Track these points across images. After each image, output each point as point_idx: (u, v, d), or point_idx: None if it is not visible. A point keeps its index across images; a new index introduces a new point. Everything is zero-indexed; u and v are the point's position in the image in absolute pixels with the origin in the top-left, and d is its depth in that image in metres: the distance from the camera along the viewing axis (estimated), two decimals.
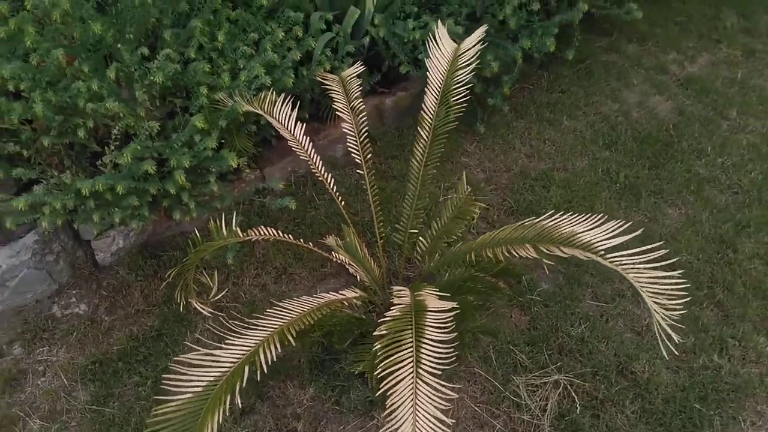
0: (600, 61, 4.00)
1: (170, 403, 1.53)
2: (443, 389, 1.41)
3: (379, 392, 1.44)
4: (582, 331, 2.46)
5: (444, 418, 1.36)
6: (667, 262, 1.54)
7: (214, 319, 2.48)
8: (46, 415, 2.28)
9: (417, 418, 1.37)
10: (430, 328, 1.53)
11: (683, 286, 1.46)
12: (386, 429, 1.37)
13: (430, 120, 2.33)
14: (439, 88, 2.31)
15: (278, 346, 1.66)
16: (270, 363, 2.27)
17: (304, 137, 2.32)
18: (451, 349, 1.48)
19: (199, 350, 1.63)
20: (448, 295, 1.73)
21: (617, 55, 4.06)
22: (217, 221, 2.10)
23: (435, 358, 1.47)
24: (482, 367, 2.36)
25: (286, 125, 2.31)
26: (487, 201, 3.06)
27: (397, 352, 1.48)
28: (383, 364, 1.45)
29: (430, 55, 2.35)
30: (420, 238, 2.40)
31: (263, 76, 2.42)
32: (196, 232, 2.32)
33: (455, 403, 2.26)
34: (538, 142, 3.43)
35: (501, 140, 3.44)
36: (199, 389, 1.58)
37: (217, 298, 2.32)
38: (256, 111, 2.29)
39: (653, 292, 1.50)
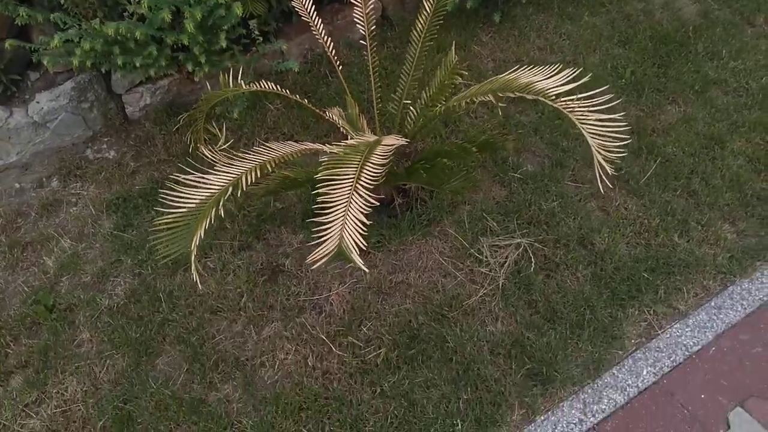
0: None
1: (168, 215, 1.85)
2: (370, 200, 1.64)
3: (316, 190, 1.69)
4: (554, 206, 2.63)
5: (364, 220, 1.61)
6: (610, 105, 1.69)
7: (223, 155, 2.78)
8: (75, 237, 2.68)
9: (347, 217, 1.63)
10: (377, 155, 1.76)
11: (624, 128, 1.61)
12: (322, 219, 1.63)
13: None
14: None
15: (259, 173, 1.93)
16: (261, 212, 2.57)
17: (315, 11, 2.49)
18: (382, 170, 1.71)
19: (193, 173, 1.92)
20: (407, 140, 1.95)
21: None
22: (226, 75, 2.33)
23: (372, 177, 1.70)
24: (454, 228, 2.59)
25: None
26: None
27: (343, 168, 1.72)
28: (328, 172, 1.69)
29: None
30: (411, 107, 2.58)
31: None
32: (208, 84, 2.57)
33: (424, 256, 2.52)
34: (553, 35, 3.47)
35: (517, 32, 3.50)
36: (192, 205, 1.88)
37: (224, 146, 2.60)
38: None
39: (596, 133, 1.66)
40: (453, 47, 2.34)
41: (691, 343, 2.23)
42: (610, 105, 1.72)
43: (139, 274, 2.53)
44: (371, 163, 1.75)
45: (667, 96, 3.10)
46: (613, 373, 2.17)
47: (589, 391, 2.13)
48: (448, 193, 2.59)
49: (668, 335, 2.26)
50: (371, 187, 1.71)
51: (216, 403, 2.16)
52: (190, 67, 2.63)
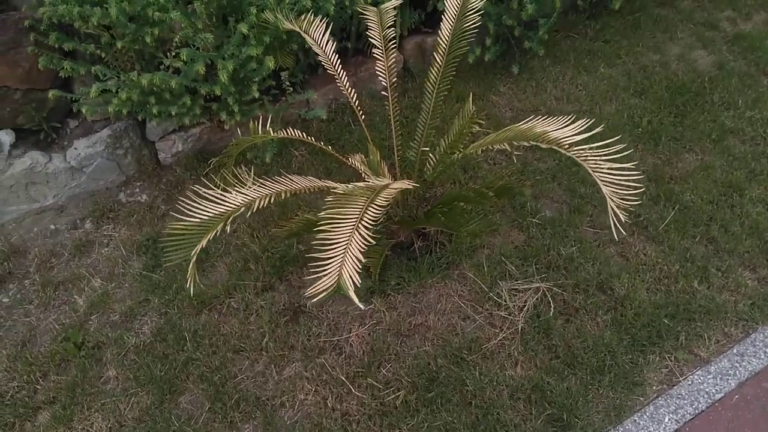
0: (651, 13, 4.04)
1: (181, 223, 1.93)
2: (369, 239, 1.70)
3: (318, 229, 1.76)
4: (573, 251, 2.66)
5: (361, 258, 1.66)
6: (624, 154, 1.74)
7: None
8: (106, 276, 2.77)
9: (347, 254, 1.69)
10: (382, 197, 1.83)
11: (638, 177, 1.66)
12: (322, 254, 1.69)
13: (444, 44, 2.57)
14: (455, 14, 2.55)
15: (272, 199, 2.01)
16: (285, 252, 2.63)
17: (338, 60, 2.62)
18: (383, 212, 1.79)
19: (214, 189, 2.00)
20: (417, 185, 2.02)
21: (670, 9, 4.08)
22: (256, 122, 2.45)
23: (374, 217, 1.77)
24: (474, 272, 2.62)
25: (324, 49, 2.61)
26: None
27: (348, 208, 1.80)
28: (333, 210, 1.77)
29: None
30: (430, 154, 2.67)
31: (306, 0, 2.73)
32: (239, 131, 2.69)
33: (443, 299, 2.55)
34: (570, 86, 3.57)
35: (534, 83, 3.60)
36: (205, 218, 1.97)
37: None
38: (295, 29, 2.60)
39: (609, 182, 1.71)
40: (470, 97, 2.43)
41: (714, 391, 2.20)
42: (624, 154, 1.77)
43: (165, 314, 2.60)
44: (375, 204, 1.82)
45: (684, 144, 3.15)
46: (635, 420, 2.15)
47: None
48: (466, 235, 2.64)
49: (690, 382, 2.24)
50: (371, 227, 1.78)
51: None
52: (223, 116, 2.77)
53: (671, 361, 2.31)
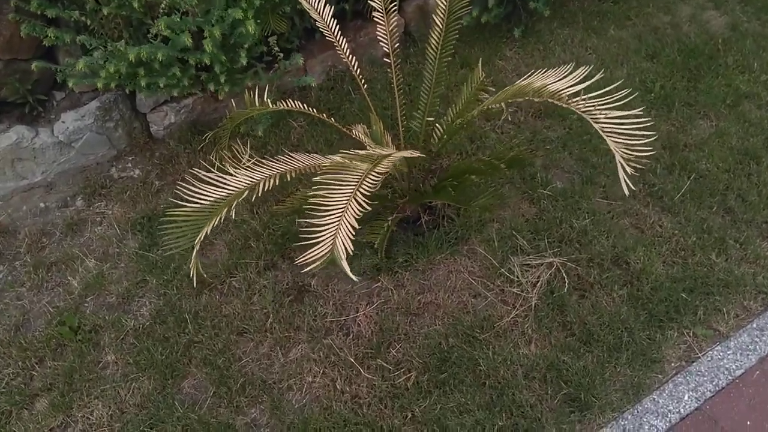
0: None
1: (181, 209, 1.82)
2: (364, 206, 1.60)
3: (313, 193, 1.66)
4: (586, 224, 2.57)
5: (356, 225, 1.57)
6: (627, 99, 1.63)
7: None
8: (100, 256, 2.66)
9: (342, 222, 1.59)
10: (382, 166, 1.72)
11: (647, 124, 1.55)
12: (316, 220, 1.59)
13: (444, 5, 2.42)
14: None
15: (277, 180, 1.90)
16: (287, 229, 2.53)
17: (337, 27, 2.47)
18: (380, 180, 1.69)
19: (214, 171, 1.89)
20: (423, 155, 1.91)
21: None
22: (251, 93, 2.31)
23: (372, 185, 1.66)
24: (484, 247, 2.53)
25: (321, 14, 2.45)
26: (516, 104, 3.13)
27: (347, 175, 1.69)
28: (330, 176, 1.66)
29: None
30: (437, 124, 2.54)
31: None
32: (233, 103, 2.55)
33: (453, 275, 2.46)
34: (579, 49, 3.43)
35: (542, 46, 3.46)
36: (207, 203, 1.85)
37: (249, 163, 2.58)
38: None
39: (616, 133, 1.60)
40: (480, 63, 2.29)
41: (734, 367, 2.14)
42: (626, 101, 1.65)
43: (164, 295, 2.50)
44: (375, 172, 1.72)
45: (698, 110, 3.03)
46: (654, 399, 2.09)
47: (629, 417, 2.05)
48: (477, 210, 2.53)
49: (709, 358, 2.18)
50: (368, 194, 1.67)
51: (243, 428, 2.11)
52: (212, 87, 2.62)
53: (690, 336, 2.24)
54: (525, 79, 1.80)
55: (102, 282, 2.56)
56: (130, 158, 3.02)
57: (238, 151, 2.65)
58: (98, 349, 2.36)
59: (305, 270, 1.65)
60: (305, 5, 2.47)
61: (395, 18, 2.57)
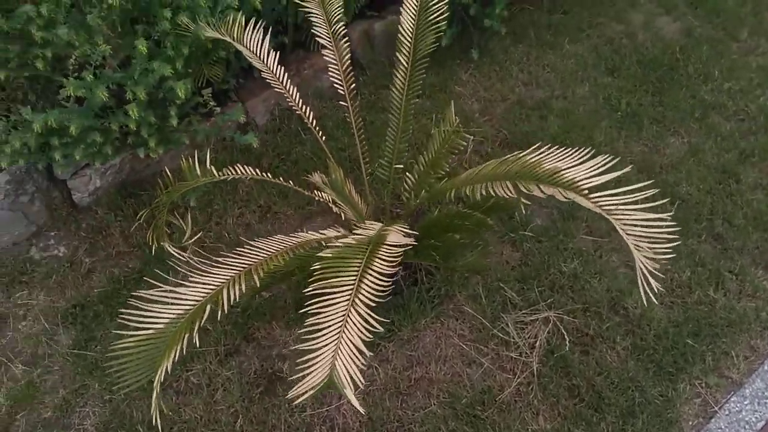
0: None
1: (129, 338, 1.48)
2: (373, 321, 1.33)
3: (305, 309, 1.38)
4: (575, 266, 2.38)
5: (364, 350, 1.30)
6: (658, 202, 1.42)
7: (199, 261, 2.42)
8: (28, 360, 2.25)
9: (341, 343, 1.32)
10: (380, 261, 1.45)
11: (673, 229, 1.35)
12: (307, 345, 1.32)
13: (408, 43, 2.17)
14: (416, 5, 2.14)
15: (243, 286, 1.59)
16: (246, 307, 2.23)
17: (279, 67, 2.17)
18: (390, 283, 1.41)
19: (162, 287, 1.56)
20: (416, 233, 1.65)
21: None
22: (190, 160, 1.97)
23: (375, 290, 1.39)
24: (471, 305, 2.30)
25: (258, 53, 2.15)
26: (480, 133, 2.92)
27: (339, 276, 1.41)
28: (319, 284, 1.38)
29: None
30: (407, 173, 2.28)
31: None
32: (167, 171, 2.21)
33: (441, 342, 2.22)
34: (536, 68, 3.24)
35: (498, 67, 3.25)
36: (161, 326, 1.52)
37: (192, 240, 2.24)
38: (223, 38, 2.11)
39: (639, 236, 1.39)
40: (452, 106, 2.04)
41: (754, 419, 2.00)
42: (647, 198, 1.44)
43: (109, 401, 2.13)
44: (373, 270, 1.44)
45: (668, 127, 2.91)
46: None
47: None
48: (463, 270, 2.30)
49: (727, 412, 2.03)
50: (373, 304, 1.40)
51: None
52: (141, 153, 2.25)
53: (702, 388, 2.09)
54: (533, 154, 1.54)
55: (33, 393, 2.16)
56: (53, 233, 2.60)
57: (178, 226, 2.33)
58: None
59: (297, 402, 1.35)
60: (244, 52, 2.16)
61: (347, 53, 2.29)
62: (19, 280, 2.46)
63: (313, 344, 1.36)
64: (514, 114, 2.99)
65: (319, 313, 1.38)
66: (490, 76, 3.20)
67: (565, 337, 2.19)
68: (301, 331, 1.38)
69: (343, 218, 2.31)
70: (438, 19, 2.11)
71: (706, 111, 2.96)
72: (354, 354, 1.31)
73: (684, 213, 2.54)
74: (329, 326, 1.38)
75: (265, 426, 2.04)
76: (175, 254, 2.06)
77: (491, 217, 2.41)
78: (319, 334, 1.37)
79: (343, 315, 1.40)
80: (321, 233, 1.93)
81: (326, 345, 1.35)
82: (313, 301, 1.40)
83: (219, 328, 2.27)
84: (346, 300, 1.39)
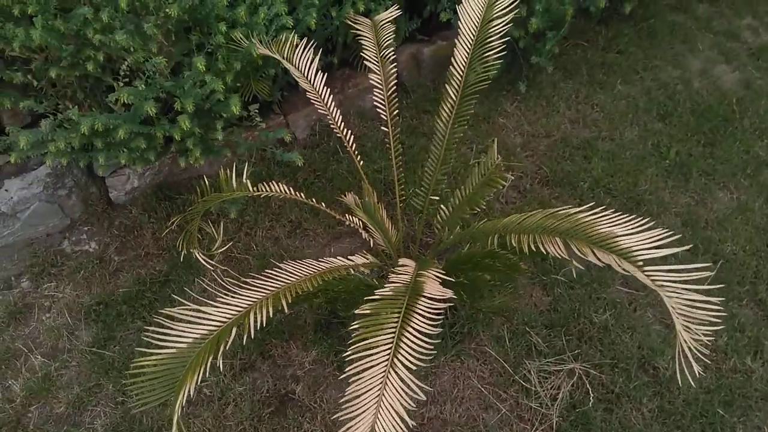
0: (666, 20, 3.65)
1: (151, 356, 1.47)
2: (415, 387, 1.28)
3: (344, 375, 1.34)
4: (606, 318, 2.29)
5: (408, 419, 1.25)
6: (713, 287, 1.34)
7: (224, 270, 2.42)
8: (48, 352, 2.28)
9: (380, 411, 1.26)
10: (418, 317, 1.40)
11: (720, 314, 1.27)
12: (343, 415, 1.28)
13: (459, 77, 2.13)
14: (472, 39, 2.10)
15: (271, 311, 1.57)
16: (266, 324, 2.20)
17: (324, 88, 2.16)
18: (433, 347, 1.35)
19: (188, 305, 1.55)
20: (452, 279, 1.59)
21: (685, 16, 3.69)
22: (228, 171, 1.97)
23: (415, 351, 1.34)
24: (494, 347, 2.23)
25: (305, 73, 2.14)
26: (521, 168, 2.86)
27: (376, 335, 1.36)
28: (356, 346, 1.34)
29: (463, 0, 2.13)
30: (441, 206, 2.24)
31: (284, 16, 2.23)
32: (205, 179, 2.21)
33: (459, 382, 2.15)
34: (585, 106, 3.17)
35: (544, 102, 3.19)
36: (184, 346, 1.51)
37: (221, 250, 2.24)
38: (273, 56, 2.12)
39: (688, 316, 1.32)
40: (495, 144, 1.99)
41: None
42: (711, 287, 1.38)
43: (122, 404, 2.13)
44: (412, 327, 1.39)
45: (717, 180, 2.80)
46: None
47: None
48: (490, 313, 2.23)
49: None
50: (414, 367, 1.34)
51: None
52: (182, 162, 2.26)
53: None
54: (587, 213, 1.47)
55: (49, 387, 2.18)
56: (86, 228, 2.63)
57: (208, 233, 2.33)
58: None
59: None
60: (292, 71, 2.16)
61: (393, 78, 2.27)
62: (49, 272, 2.49)
63: (353, 411, 1.32)
64: (558, 152, 2.92)
65: (358, 378, 1.33)
66: (536, 111, 3.13)
67: (590, 392, 2.10)
68: (342, 400, 1.34)
69: (372, 244, 2.28)
70: (493, 56, 2.07)
71: (759, 167, 2.84)
72: (395, 421, 1.27)
73: (726, 273, 2.43)
74: (368, 390, 1.33)
75: None
76: (204, 263, 2.07)
77: (524, 259, 2.36)
78: (358, 399, 1.33)
79: (382, 378, 1.35)
80: (350, 260, 1.90)
81: (365, 411, 1.30)
82: (353, 366, 1.36)
83: (236, 342, 2.25)
84: (384, 362, 1.34)
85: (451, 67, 2.15)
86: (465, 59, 2.12)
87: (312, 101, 2.15)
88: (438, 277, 1.58)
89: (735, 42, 3.52)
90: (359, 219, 2.26)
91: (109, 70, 2.25)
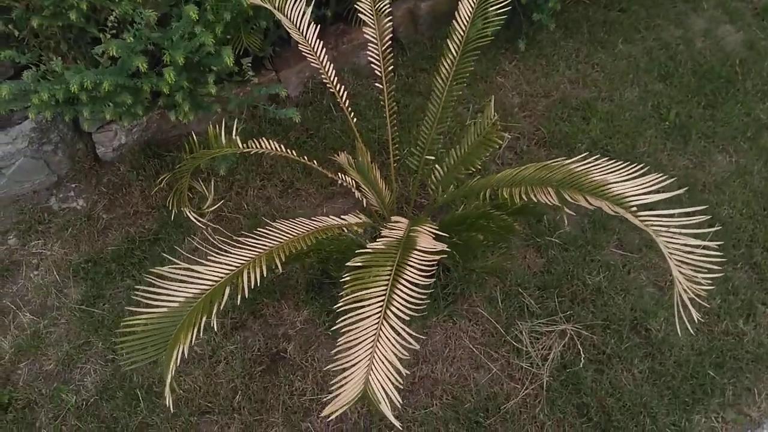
0: None
1: (141, 315, 1.45)
2: (407, 336, 1.27)
3: (336, 327, 1.33)
4: (600, 280, 2.28)
5: (401, 368, 1.24)
6: (709, 230, 1.32)
7: (215, 229, 2.39)
8: (36, 310, 2.26)
9: (374, 361, 1.25)
10: (411, 269, 1.38)
11: (719, 259, 1.25)
12: (336, 366, 1.26)
13: (462, 32, 2.06)
14: None
15: (264, 270, 1.54)
16: (259, 284, 2.18)
17: (318, 41, 2.08)
18: (426, 296, 1.33)
19: (179, 264, 1.52)
20: (446, 235, 1.56)
21: None
22: (217, 127, 1.91)
23: (407, 302, 1.32)
24: (486, 307, 2.22)
25: (297, 25, 2.07)
26: (518, 129, 2.80)
27: (368, 288, 1.34)
28: (349, 297, 1.31)
29: None
30: (437, 165, 2.19)
31: None
32: (194, 136, 2.16)
33: (451, 342, 2.15)
34: (585, 66, 3.10)
35: (544, 61, 3.11)
36: (175, 305, 1.48)
37: (212, 208, 2.20)
38: (264, 5, 2.04)
39: (682, 261, 1.30)
40: (492, 102, 1.94)
41: None
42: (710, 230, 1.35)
43: (112, 361, 2.13)
44: (405, 279, 1.37)
45: (717, 143, 2.75)
46: None
47: None
48: (482, 272, 2.21)
49: None
50: (407, 317, 1.33)
51: None
52: (172, 117, 2.20)
53: (718, 422, 1.99)
54: (580, 162, 1.44)
55: (38, 344, 2.17)
56: (73, 186, 2.58)
57: (199, 191, 2.29)
58: (33, 430, 1.99)
59: (329, 416, 1.30)
60: (284, 22, 2.08)
61: (389, 33, 2.19)
62: (36, 229, 2.45)
63: (346, 362, 1.30)
64: (556, 112, 2.86)
65: (350, 330, 1.31)
66: (535, 70, 3.06)
67: (581, 352, 2.10)
68: (333, 351, 1.32)
69: (365, 204, 2.24)
70: (495, 10, 2.01)
71: (760, 131, 2.79)
72: (389, 371, 1.25)
73: (722, 237, 2.40)
74: (361, 342, 1.32)
75: (263, 405, 2.01)
76: (195, 221, 2.03)
77: (519, 220, 2.33)
78: (351, 351, 1.32)
79: (375, 329, 1.34)
80: (342, 219, 1.86)
81: (358, 362, 1.29)
82: (344, 318, 1.34)
83: (227, 301, 2.23)
84: (377, 313, 1.32)
85: (454, 21, 2.08)
86: (469, 13, 2.05)
87: (304, 54, 2.08)
88: (431, 232, 1.55)
89: (740, 1, 3.42)
90: (352, 179, 2.22)
91: (94, 21, 2.17)
